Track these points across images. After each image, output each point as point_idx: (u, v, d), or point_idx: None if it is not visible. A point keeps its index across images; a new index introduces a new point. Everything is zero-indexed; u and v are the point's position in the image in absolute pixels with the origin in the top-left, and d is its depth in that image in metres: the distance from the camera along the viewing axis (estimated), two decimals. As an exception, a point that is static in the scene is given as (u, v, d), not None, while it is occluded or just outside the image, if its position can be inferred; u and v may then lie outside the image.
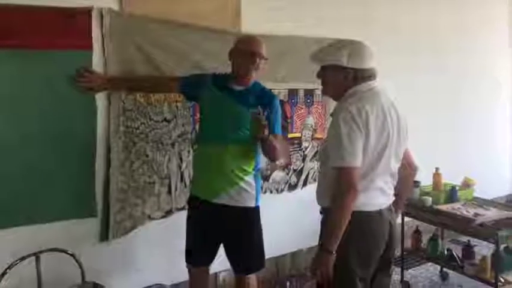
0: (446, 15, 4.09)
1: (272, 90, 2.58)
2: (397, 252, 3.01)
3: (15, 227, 2.21)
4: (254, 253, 2.35)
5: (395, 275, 3.23)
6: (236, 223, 2.30)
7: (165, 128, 2.65)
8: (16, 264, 1.99)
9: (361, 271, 1.89)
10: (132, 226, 2.57)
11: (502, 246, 2.82)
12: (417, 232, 3.29)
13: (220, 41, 2.61)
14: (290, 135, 3.21)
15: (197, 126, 2.68)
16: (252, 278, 2.38)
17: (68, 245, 2.20)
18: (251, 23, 2.84)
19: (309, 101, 3.28)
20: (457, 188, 3.23)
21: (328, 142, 1.94)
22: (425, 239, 3.27)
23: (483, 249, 3.26)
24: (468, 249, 3.07)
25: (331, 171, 1.84)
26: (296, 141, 3.27)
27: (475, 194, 3.29)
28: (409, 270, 3.48)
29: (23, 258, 2.02)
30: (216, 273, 2.93)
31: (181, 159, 2.73)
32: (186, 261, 2.41)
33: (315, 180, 3.33)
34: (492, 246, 2.80)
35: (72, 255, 2.14)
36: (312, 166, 3.36)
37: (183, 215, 2.55)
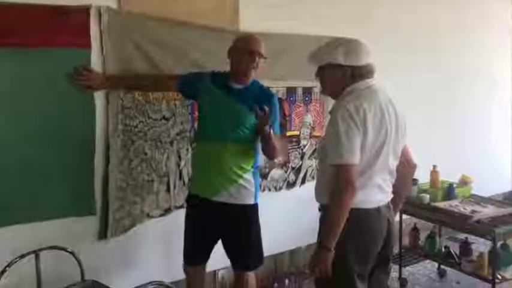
0: (445, 14, 4.10)
1: (270, 89, 2.59)
2: (395, 250, 3.03)
3: (15, 225, 2.21)
4: (253, 250, 2.36)
5: (393, 272, 3.24)
6: (235, 220, 2.31)
7: (164, 126, 2.65)
8: (16, 262, 1.99)
9: (359, 268, 1.90)
10: (131, 224, 2.57)
11: (499, 243, 2.83)
12: (415, 230, 3.31)
13: (218, 39, 2.62)
14: (288, 133, 3.22)
15: (196, 125, 2.69)
16: (251, 276, 2.39)
17: (67, 243, 2.20)
18: (249, 21, 2.84)
19: (307, 99, 3.29)
20: (455, 185, 3.25)
21: (326, 140, 1.95)
22: (423, 236, 3.28)
23: (480, 246, 3.28)
24: (465, 246, 3.09)
25: (329, 169, 1.85)
26: (294, 139, 3.28)
27: (473, 192, 3.31)
28: (407, 268, 3.49)
29: (22, 256, 2.01)
30: (214, 271, 2.94)
31: (179, 157, 2.74)
32: (184, 260, 2.42)
33: (313, 178, 3.34)
34: (489, 243, 2.82)
35: (71, 253, 2.14)
36: (310, 164, 3.37)
37: (181, 213, 2.55)
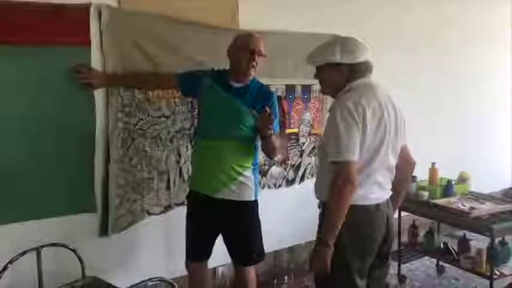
0: (448, 14, 4.12)
1: (270, 86, 2.60)
2: (394, 247, 3.05)
3: (16, 223, 2.22)
4: (253, 245, 2.38)
5: (392, 269, 3.25)
6: (236, 216, 2.33)
7: (164, 123, 2.67)
8: (17, 259, 2.00)
9: (358, 264, 1.92)
10: (132, 221, 2.58)
11: (497, 240, 2.85)
12: (414, 226, 3.32)
13: (218, 37, 2.62)
14: (288, 131, 3.23)
15: (196, 122, 2.70)
16: (251, 271, 2.41)
17: (68, 240, 2.22)
18: (249, 19, 2.85)
19: (306, 96, 3.30)
20: (453, 182, 3.26)
21: (325, 137, 1.96)
22: (422, 233, 3.30)
23: (479, 242, 3.30)
24: (464, 243, 3.10)
25: (329, 166, 1.87)
26: (294, 137, 3.29)
27: (472, 189, 3.32)
28: (406, 264, 3.51)
29: (23, 253, 2.03)
30: (214, 268, 2.95)
31: (179, 155, 2.75)
32: (187, 256, 2.43)
33: (312, 175, 3.36)
34: (488, 239, 2.83)
35: (73, 250, 2.15)
36: (310, 161, 3.38)
37: (182, 211, 2.57)
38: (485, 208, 2.94)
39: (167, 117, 2.67)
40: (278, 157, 3.08)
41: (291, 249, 3.40)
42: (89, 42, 2.36)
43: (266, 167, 3.15)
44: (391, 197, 2.03)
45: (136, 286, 1.74)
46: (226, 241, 2.40)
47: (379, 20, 3.59)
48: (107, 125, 2.46)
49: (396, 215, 3.03)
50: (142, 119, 2.58)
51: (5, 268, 1.96)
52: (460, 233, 3.24)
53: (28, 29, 2.19)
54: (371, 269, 1.99)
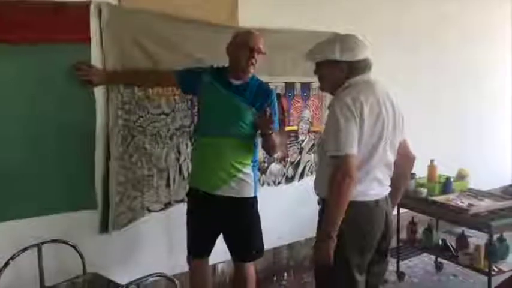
0: (448, 12, 4.12)
1: (269, 84, 2.62)
2: (393, 243, 3.06)
3: (16, 220, 2.23)
4: (253, 241, 2.40)
5: (391, 265, 3.27)
6: (236, 212, 2.34)
7: (163, 121, 2.67)
8: (18, 255, 2.01)
9: (357, 260, 1.93)
10: (132, 218, 2.59)
11: (495, 236, 2.86)
12: (413, 223, 3.33)
13: (218, 34, 2.63)
14: (287, 128, 3.24)
15: (195, 120, 2.71)
16: (251, 267, 2.42)
17: (68, 236, 2.23)
18: (249, 17, 2.85)
19: (305, 94, 3.31)
20: (452, 179, 3.27)
21: (325, 133, 1.98)
22: (420, 230, 3.31)
23: (478, 239, 3.31)
24: (462, 240, 3.11)
25: (328, 162, 1.88)
26: (293, 134, 3.30)
27: (472, 186, 3.33)
28: (405, 261, 3.53)
29: (25, 249, 2.04)
30: (214, 265, 2.97)
31: (179, 152, 2.76)
32: (189, 253, 2.44)
33: (311, 172, 3.37)
34: (486, 236, 2.84)
35: (73, 246, 2.16)
36: (309, 159, 3.40)
37: (182, 207, 2.59)
38: (484, 205, 2.96)
39: (167, 115, 2.68)
40: (277, 154, 3.09)
41: (290, 246, 3.42)
42: (89, 39, 2.36)
43: (265, 164, 3.16)
44: (390, 193, 2.04)
45: (137, 281, 1.75)
46: (226, 237, 2.42)
47: (379, 17, 3.61)
48: (107, 122, 2.46)
49: (395, 212, 3.07)
50: (142, 117, 2.58)
51: (6, 264, 1.97)
52: (459, 229, 3.25)
53: (28, 27, 2.19)
54: (370, 264, 2.00)
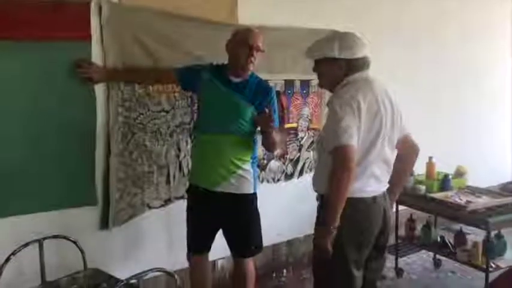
0: (448, 9, 4.13)
1: (269, 81, 2.63)
2: (392, 240, 3.08)
3: (18, 215, 2.24)
4: (252, 237, 2.42)
5: (390, 262, 3.29)
6: (235, 209, 2.36)
7: (163, 118, 2.68)
8: (20, 250, 2.03)
9: (355, 255, 1.95)
10: (132, 214, 2.61)
11: (493, 233, 2.88)
12: (411, 220, 3.35)
13: (218, 32, 2.64)
14: (286, 126, 3.25)
15: (195, 117, 2.72)
16: (250, 263, 2.45)
17: (69, 232, 2.24)
18: (248, 14, 2.86)
19: (305, 91, 3.32)
20: (450, 176, 3.29)
21: (324, 129, 1.99)
22: (419, 227, 3.33)
23: (476, 236, 3.33)
24: (460, 236, 3.13)
25: (327, 158, 1.89)
26: (292, 132, 3.31)
27: (471, 183, 3.34)
28: (403, 258, 3.55)
29: (26, 245, 2.05)
30: (214, 261, 2.98)
31: (179, 149, 2.77)
32: (188, 249, 2.46)
33: (310, 169, 3.39)
34: (484, 233, 2.86)
35: (74, 242, 2.18)
36: (308, 156, 3.41)
37: (181, 204, 2.60)
38: (482, 202, 2.98)
39: (167, 112, 2.70)
40: (277, 151, 3.11)
41: (289, 243, 3.43)
42: (89, 37, 2.37)
43: (265, 161, 3.18)
44: (389, 188, 2.05)
45: (137, 276, 1.77)
46: (226, 233, 2.44)
47: (378, 15, 3.61)
48: (107, 119, 2.48)
49: (394, 209, 3.09)
50: (142, 114, 2.60)
51: (8, 259, 1.99)
52: (457, 226, 3.27)
53: (29, 24, 2.20)
54: (368, 260, 2.03)
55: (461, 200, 3.00)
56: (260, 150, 2.65)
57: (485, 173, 4.03)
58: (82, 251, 2.19)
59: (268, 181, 3.22)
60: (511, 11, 4.79)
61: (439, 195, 3.10)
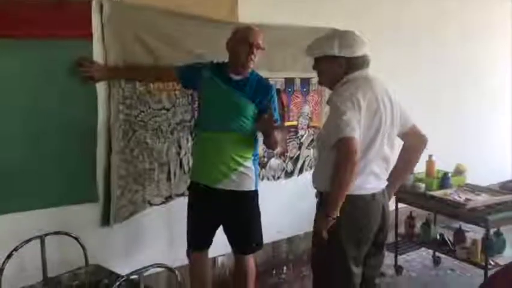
0: (448, 8, 4.14)
1: (269, 79, 2.64)
2: (391, 238, 3.09)
3: (20, 212, 2.26)
4: (253, 234, 2.43)
5: (389, 260, 3.31)
6: (236, 206, 2.37)
7: (164, 116, 2.70)
8: (22, 246, 2.05)
9: (353, 252, 1.97)
10: (133, 211, 2.63)
11: (492, 231, 2.89)
12: (411, 218, 3.36)
13: (218, 30, 2.65)
14: (287, 124, 3.26)
15: (196, 114, 2.74)
16: (250, 260, 2.46)
17: (70, 229, 2.25)
18: (249, 12, 2.87)
19: (305, 89, 3.33)
20: (450, 174, 3.30)
21: (326, 124, 2.01)
22: (418, 224, 3.34)
23: (475, 234, 3.34)
24: (460, 234, 3.14)
25: (327, 155, 1.91)
26: (292, 129, 3.33)
27: (469, 181, 3.35)
28: (403, 255, 3.56)
29: (28, 241, 2.07)
30: (214, 258, 3.00)
31: (180, 146, 2.79)
32: (188, 245, 2.48)
33: (311, 167, 3.40)
34: (483, 230, 2.87)
35: (75, 238, 2.19)
36: (308, 154, 3.43)
37: (182, 201, 2.62)
38: (481, 199, 2.99)
39: (168, 110, 2.71)
40: (278, 149, 3.12)
41: (289, 240, 3.45)
42: (90, 35, 2.38)
43: (265, 159, 3.19)
44: (395, 174, 2.08)
45: (138, 272, 1.78)
46: (227, 230, 2.45)
47: (379, 13, 3.62)
48: (108, 117, 2.49)
49: (393, 207, 3.10)
50: (143, 111, 2.61)
51: (10, 255, 2.00)
52: (456, 224, 3.28)
53: (29, 23, 2.21)
54: (367, 257, 2.04)
55: (460, 197, 3.02)
56: (260, 149, 2.66)
57: (485, 172, 4.03)
58: (83, 247, 2.20)
59: (268, 179, 3.23)
60: (511, 11, 4.79)
61: (438, 193, 3.11)
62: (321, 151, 2.06)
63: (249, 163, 2.36)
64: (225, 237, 2.47)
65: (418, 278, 3.36)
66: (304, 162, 3.42)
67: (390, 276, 3.34)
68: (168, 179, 2.75)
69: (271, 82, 2.67)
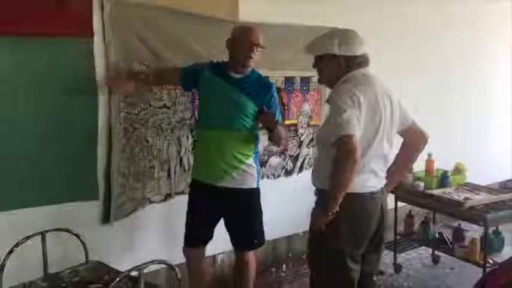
0: (449, 7, 4.15)
1: (269, 78, 2.65)
2: (390, 236, 3.10)
3: (21, 209, 2.27)
4: (254, 231, 2.46)
5: (388, 258, 3.32)
6: (238, 203, 2.39)
7: (165, 114, 2.71)
8: (23, 242, 2.05)
9: (352, 250, 1.98)
10: (133, 209, 2.64)
11: (490, 229, 2.90)
12: (410, 216, 3.38)
13: (218, 29, 2.66)
14: (287, 122, 3.27)
15: (196, 113, 2.75)
16: (251, 256, 2.48)
17: (71, 226, 2.25)
18: (249, 11, 2.87)
19: (305, 88, 3.34)
20: (449, 173, 3.31)
21: (326, 122, 2.02)
22: (417, 223, 3.35)
23: (474, 232, 3.35)
24: (458, 232, 3.15)
25: (327, 153, 1.92)
26: (292, 128, 3.34)
27: (469, 180, 3.36)
28: (402, 254, 3.57)
29: (29, 237, 2.08)
30: (214, 255, 3.02)
31: (180, 144, 2.80)
32: (185, 242, 2.49)
33: (310, 166, 3.41)
34: (482, 229, 2.88)
35: (76, 234, 2.20)
36: (308, 152, 3.44)
37: (182, 199, 2.63)
38: (479, 198, 3.00)
39: (168, 108, 2.72)
40: (282, 146, 3.13)
41: (289, 238, 3.46)
42: (92, 33, 2.39)
43: (265, 157, 3.20)
44: (392, 170, 2.09)
45: (138, 268, 1.80)
46: (228, 227, 2.47)
47: (379, 14, 3.62)
48: (109, 115, 2.50)
49: (392, 206, 3.11)
50: (144, 109, 2.62)
51: (11, 251, 2.02)
52: (455, 223, 3.29)
53: (32, 20, 2.21)
54: (365, 254, 2.05)
55: (459, 196, 3.03)
56: (260, 146, 2.67)
57: (485, 171, 4.05)
58: (84, 244, 2.21)
59: (268, 177, 3.24)
60: (511, 11, 4.79)
61: (437, 191, 3.13)
62: (321, 149, 2.07)
63: (250, 160, 2.38)
64: (224, 235, 2.48)
65: (417, 277, 3.37)
66: (304, 160, 3.43)
67: (389, 274, 3.35)
68: (168, 176, 2.76)
69: (272, 81, 2.68)
